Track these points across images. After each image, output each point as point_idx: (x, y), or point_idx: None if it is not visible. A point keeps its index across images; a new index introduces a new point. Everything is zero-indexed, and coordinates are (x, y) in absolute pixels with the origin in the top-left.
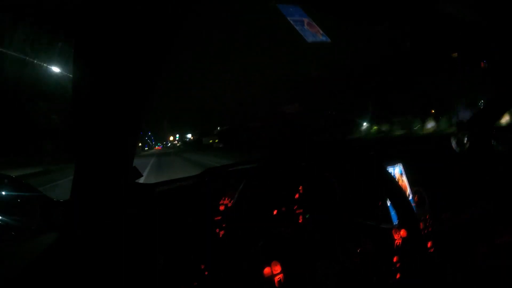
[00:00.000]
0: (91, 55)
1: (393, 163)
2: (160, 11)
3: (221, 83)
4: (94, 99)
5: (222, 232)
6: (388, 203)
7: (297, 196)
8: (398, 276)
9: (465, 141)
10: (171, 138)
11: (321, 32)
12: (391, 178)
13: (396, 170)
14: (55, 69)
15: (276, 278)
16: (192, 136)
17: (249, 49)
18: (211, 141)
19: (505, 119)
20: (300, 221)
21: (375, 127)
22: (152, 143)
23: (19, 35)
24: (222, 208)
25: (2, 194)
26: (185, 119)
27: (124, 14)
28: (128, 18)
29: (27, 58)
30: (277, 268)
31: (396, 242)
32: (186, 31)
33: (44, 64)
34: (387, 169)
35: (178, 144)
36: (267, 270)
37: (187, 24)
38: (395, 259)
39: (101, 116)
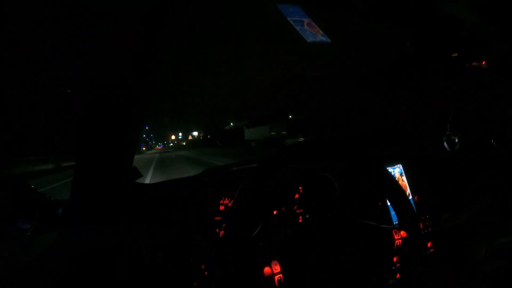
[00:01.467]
0: (90, 54)
1: (393, 163)
2: (159, 10)
3: (229, 75)
4: (94, 99)
5: (222, 232)
6: (388, 203)
7: (297, 196)
8: (398, 276)
9: (456, 141)
10: (173, 137)
11: (321, 32)
12: (391, 178)
13: (396, 170)
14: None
15: (276, 278)
16: (198, 133)
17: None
18: (273, 133)
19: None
20: (300, 221)
21: None
22: (152, 142)
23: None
24: (222, 208)
25: (2, 195)
26: (188, 116)
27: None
28: (124, 16)
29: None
30: (277, 268)
31: (396, 242)
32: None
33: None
34: (387, 169)
35: (183, 143)
36: (267, 270)
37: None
38: (395, 259)
39: (100, 117)
